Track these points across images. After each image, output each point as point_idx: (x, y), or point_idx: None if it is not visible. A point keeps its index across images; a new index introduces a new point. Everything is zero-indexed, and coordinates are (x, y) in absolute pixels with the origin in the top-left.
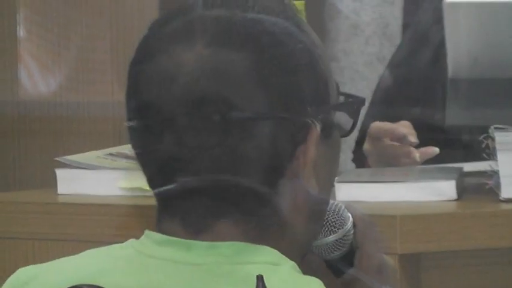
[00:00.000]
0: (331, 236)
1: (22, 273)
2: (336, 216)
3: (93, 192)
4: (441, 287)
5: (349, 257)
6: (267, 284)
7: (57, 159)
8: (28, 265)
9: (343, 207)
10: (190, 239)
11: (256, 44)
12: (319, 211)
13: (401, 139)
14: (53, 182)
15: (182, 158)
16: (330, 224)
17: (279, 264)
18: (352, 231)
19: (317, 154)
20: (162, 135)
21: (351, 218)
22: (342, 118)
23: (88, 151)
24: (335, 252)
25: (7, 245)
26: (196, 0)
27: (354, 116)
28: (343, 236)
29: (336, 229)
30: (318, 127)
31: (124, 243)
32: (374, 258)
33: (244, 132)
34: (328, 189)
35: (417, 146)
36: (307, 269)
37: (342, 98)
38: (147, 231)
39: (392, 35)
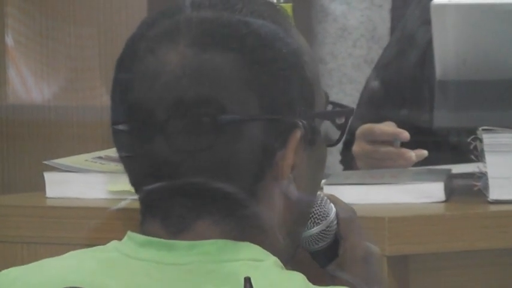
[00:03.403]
0: (315, 228)
1: (6, 275)
2: (319, 208)
3: (81, 196)
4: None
5: (333, 247)
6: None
7: (45, 162)
8: None
9: (325, 198)
10: (171, 239)
11: (239, 45)
12: (300, 214)
13: (392, 140)
14: (41, 186)
15: (165, 160)
16: (313, 216)
17: (261, 260)
18: (335, 222)
19: (299, 160)
20: (146, 138)
21: (333, 209)
22: (329, 127)
23: (76, 155)
24: (319, 243)
25: None
26: (184, 2)
27: (341, 127)
28: (327, 227)
29: (319, 221)
30: (299, 133)
31: (107, 245)
32: (358, 248)
33: (225, 135)
34: (311, 193)
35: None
36: (293, 260)
37: (330, 107)
38: (129, 233)
39: (380, 38)
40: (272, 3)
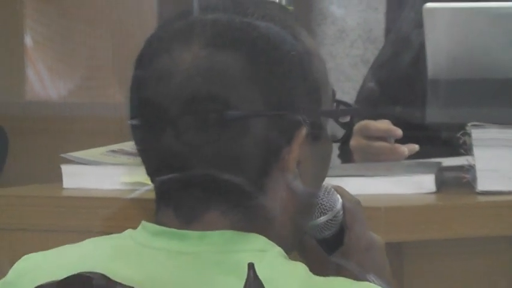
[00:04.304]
0: (322, 217)
1: (27, 260)
2: (325, 198)
3: (96, 186)
4: (422, 273)
5: (339, 236)
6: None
7: (62, 155)
8: None
9: (332, 190)
10: (183, 228)
11: (249, 47)
12: (306, 206)
13: (387, 136)
14: (57, 178)
15: (178, 153)
16: (320, 206)
17: (266, 251)
18: (341, 212)
19: (304, 155)
20: (160, 132)
21: (340, 200)
22: (334, 125)
23: (91, 148)
24: (326, 232)
25: (17, 236)
26: (197, 5)
27: (345, 126)
28: (333, 217)
29: (326, 211)
30: (304, 129)
31: (122, 234)
32: (362, 237)
33: (233, 130)
34: (316, 187)
35: (398, 142)
36: (301, 248)
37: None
38: (143, 222)
39: (376, 38)
40: (283, 7)
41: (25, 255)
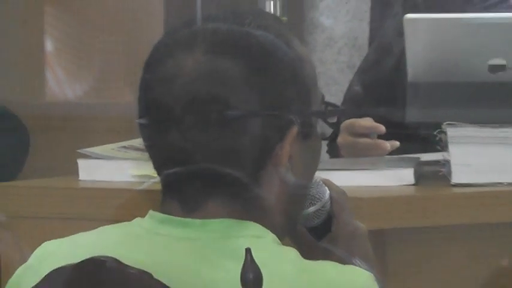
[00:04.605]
0: (311, 207)
1: (46, 247)
2: (315, 190)
3: (109, 179)
4: (403, 258)
5: (327, 224)
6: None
7: (78, 151)
8: None
9: (321, 183)
10: (186, 216)
11: (246, 54)
12: (297, 197)
13: (370, 133)
14: (73, 171)
15: (182, 149)
16: (310, 197)
17: (262, 237)
18: (329, 203)
19: (295, 151)
20: (165, 130)
21: (327, 192)
22: (323, 124)
23: (104, 144)
24: (315, 220)
25: (37, 223)
26: (200, 15)
27: (333, 125)
28: (322, 207)
29: (315, 201)
30: (296, 128)
31: (131, 222)
32: (348, 224)
33: (232, 128)
34: (307, 180)
35: (381, 139)
36: (293, 235)
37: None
38: (151, 212)
39: (361, 46)
40: (277, 18)
41: (44, 242)
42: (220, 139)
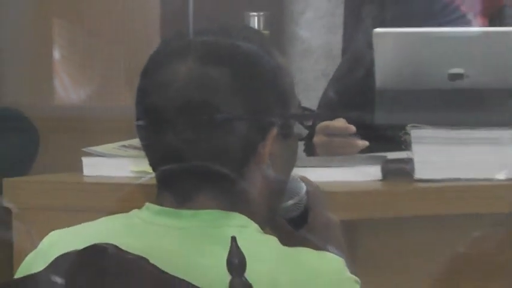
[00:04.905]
0: (290, 201)
1: (54, 235)
2: (293, 186)
3: (110, 174)
4: (371, 246)
5: (304, 216)
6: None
7: (83, 149)
8: None
9: (298, 178)
10: (179, 208)
11: (232, 63)
12: (277, 191)
13: (344, 134)
14: (79, 168)
15: (175, 148)
16: (288, 192)
17: (246, 227)
18: (305, 197)
19: (275, 150)
20: (160, 131)
21: (304, 187)
22: (300, 126)
23: (106, 144)
24: (293, 213)
25: (45, 214)
26: (191, 29)
27: (309, 127)
28: (299, 200)
29: (293, 196)
30: (276, 129)
31: (130, 213)
32: (322, 216)
33: (220, 129)
34: (286, 176)
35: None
36: (273, 225)
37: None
38: (147, 204)
39: (335, 56)
40: (259, 31)
41: (52, 231)
42: (209, 139)
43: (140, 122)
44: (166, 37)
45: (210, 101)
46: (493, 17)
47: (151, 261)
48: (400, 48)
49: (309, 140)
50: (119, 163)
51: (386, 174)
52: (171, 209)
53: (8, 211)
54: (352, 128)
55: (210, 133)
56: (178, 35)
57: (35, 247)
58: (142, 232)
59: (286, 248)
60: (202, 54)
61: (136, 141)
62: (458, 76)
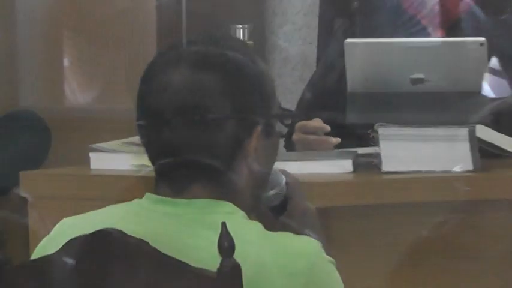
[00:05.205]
0: (271, 191)
1: (65, 221)
2: (274, 177)
3: (114, 168)
4: (344, 229)
5: (284, 204)
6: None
7: (90, 146)
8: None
9: (278, 172)
10: (175, 197)
11: (220, 70)
12: (261, 182)
13: (319, 132)
14: (87, 161)
15: (171, 144)
16: (270, 183)
17: (234, 213)
18: (285, 187)
19: (259, 146)
20: (158, 130)
21: (284, 179)
22: (280, 125)
23: (110, 141)
24: (275, 202)
25: (57, 203)
26: (184, 40)
27: (288, 126)
28: (279, 190)
29: (274, 186)
30: (260, 128)
31: (132, 202)
32: (300, 205)
33: (211, 128)
34: (268, 169)
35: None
36: (258, 212)
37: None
38: (147, 193)
39: (310, 64)
40: (244, 42)
41: (63, 218)
42: (201, 136)
43: (140, 122)
44: (162, 48)
45: (201, 103)
46: (450, 29)
47: (151, 244)
48: (369, 56)
49: (288, 137)
50: (121, 158)
51: (357, 167)
52: (168, 198)
53: (24, 200)
54: (327, 127)
55: (202, 131)
56: (172, 45)
57: (48, 232)
58: (143, 218)
59: (269, 232)
60: (194, 62)
61: (136, 139)
62: (420, 80)
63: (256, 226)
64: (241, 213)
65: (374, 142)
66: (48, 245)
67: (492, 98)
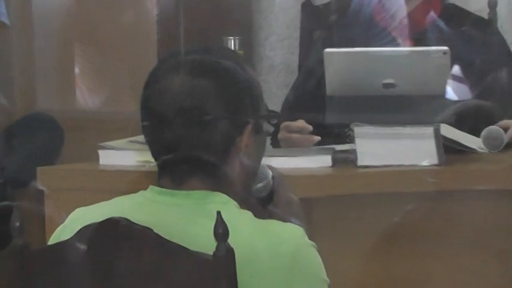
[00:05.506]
0: (259, 184)
1: (78, 211)
2: (262, 171)
3: (120, 163)
4: (324, 217)
5: (270, 195)
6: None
7: (99, 144)
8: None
9: (266, 166)
10: (175, 189)
11: (215, 76)
12: (250, 176)
13: (302, 131)
14: (96, 158)
15: (172, 142)
16: (259, 176)
17: (227, 203)
18: (271, 181)
19: (250, 142)
20: (160, 129)
21: (270, 173)
22: (267, 124)
23: (117, 139)
24: (262, 193)
25: (70, 195)
26: (183, 49)
27: (274, 125)
28: (266, 183)
29: (262, 179)
30: (250, 126)
31: (137, 193)
32: (285, 196)
33: (207, 127)
34: (257, 163)
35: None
36: (248, 202)
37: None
38: (150, 186)
39: (293, 71)
40: (235, 51)
41: (76, 209)
42: (198, 135)
43: (144, 123)
44: (163, 57)
45: (198, 106)
46: (417, 39)
47: (155, 231)
48: (345, 64)
49: (274, 135)
50: (127, 155)
51: (335, 162)
52: (169, 190)
53: (41, 192)
54: (309, 127)
55: (199, 130)
56: (172, 55)
57: (63, 221)
58: (147, 208)
59: (258, 220)
60: (191, 69)
61: (141, 138)
62: (391, 85)
63: (248, 214)
64: (234, 203)
65: (350, 140)
66: (62, 232)
67: (454, 100)
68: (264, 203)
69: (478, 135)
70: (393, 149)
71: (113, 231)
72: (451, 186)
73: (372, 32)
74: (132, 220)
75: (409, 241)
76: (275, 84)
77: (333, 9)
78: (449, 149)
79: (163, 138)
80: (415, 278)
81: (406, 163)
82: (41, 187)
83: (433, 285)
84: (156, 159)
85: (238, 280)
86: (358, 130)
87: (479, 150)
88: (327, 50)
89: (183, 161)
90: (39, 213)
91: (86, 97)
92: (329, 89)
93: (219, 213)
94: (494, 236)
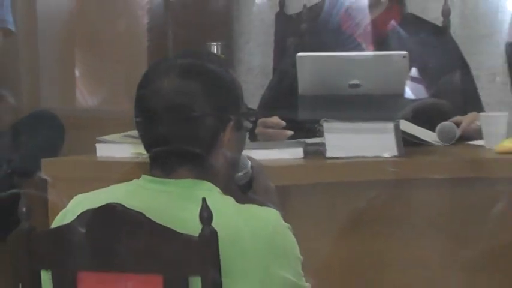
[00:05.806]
0: (240, 173)
1: (78, 197)
2: (242, 162)
3: (116, 155)
4: (297, 203)
5: (250, 183)
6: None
7: (97, 138)
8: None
9: (245, 157)
10: (165, 178)
11: (202, 77)
12: (233, 165)
13: (276, 126)
14: (94, 151)
15: (162, 136)
16: (240, 166)
17: (212, 190)
18: (250, 170)
19: (231, 137)
20: (152, 125)
21: (249, 163)
22: (247, 122)
23: (113, 134)
24: (243, 181)
25: (71, 183)
26: (172, 54)
27: (253, 122)
28: (246, 172)
29: (242, 169)
30: (232, 123)
31: (131, 181)
32: (263, 183)
33: (194, 123)
34: (238, 155)
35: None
36: (230, 190)
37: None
38: (143, 175)
39: (268, 73)
40: (218, 56)
41: (76, 195)
42: (186, 130)
43: (137, 119)
44: (154, 61)
45: (186, 104)
46: (379, 45)
47: (147, 215)
48: (316, 67)
49: (252, 130)
50: (122, 147)
51: (306, 154)
52: (160, 178)
53: (45, 181)
54: (283, 123)
55: (187, 126)
56: (162, 59)
57: (64, 207)
58: (140, 195)
59: (240, 204)
60: (180, 71)
61: (134, 132)
62: (356, 86)
63: (230, 200)
64: (218, 190)
65: (320, 134)
66: (64, 216)
67: (412, 99)
68: (244, 189)
69: (433, 130)
70: (358, 142)
71: (110, 215)
72: (410, 175)
73: (339, 38)
74: (126, 206)
75: (373, 224)
76: (253, 85)
77: (304, 18)
78: (408, 142)
79: (155, 133)
80: (379, 257)
81: (370, 155)
82: (45, 177)
83: (395, 263)
84: (148, 151)
85: (223, 258)
86: (327, 125)
87: (434, 143)
88: (299, 54)
89: (172, 153)
90: (43, 200)
91: (85, 97)
92: (301, 89)
93: (204, 199)
94: (448, 219)
